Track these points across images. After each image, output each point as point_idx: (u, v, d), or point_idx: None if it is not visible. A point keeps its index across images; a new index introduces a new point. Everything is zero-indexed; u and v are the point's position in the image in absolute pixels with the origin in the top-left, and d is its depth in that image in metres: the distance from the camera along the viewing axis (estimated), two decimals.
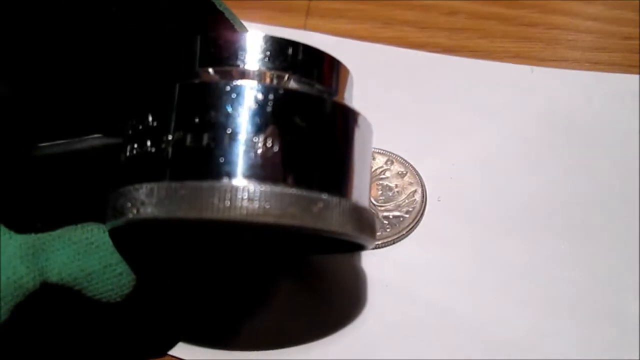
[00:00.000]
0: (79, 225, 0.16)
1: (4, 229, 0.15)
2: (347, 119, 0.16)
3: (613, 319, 0.20)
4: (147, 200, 0.14)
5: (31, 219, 0.16)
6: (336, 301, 0.22)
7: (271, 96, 0.14)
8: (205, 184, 0.14)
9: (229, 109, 0.14)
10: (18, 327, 0.15)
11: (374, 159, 0.25)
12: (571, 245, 0.22)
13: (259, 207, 0.14)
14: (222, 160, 0.14)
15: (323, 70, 0.16)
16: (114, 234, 0.16)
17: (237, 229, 0.17)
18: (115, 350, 0.19)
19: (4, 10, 0.17)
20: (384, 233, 0.23)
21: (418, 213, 0.23)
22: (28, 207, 0.17)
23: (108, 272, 0.16)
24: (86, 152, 0.21)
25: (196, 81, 0.15)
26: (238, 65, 0.15)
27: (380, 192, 0.24)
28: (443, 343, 0.20)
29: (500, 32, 0.30)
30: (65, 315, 0.17)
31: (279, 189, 0.14)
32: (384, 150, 0.25)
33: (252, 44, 0.15)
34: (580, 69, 0.28)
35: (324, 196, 0.15)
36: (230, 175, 0.14)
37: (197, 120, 0.14)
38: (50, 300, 0.16)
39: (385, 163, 0.25)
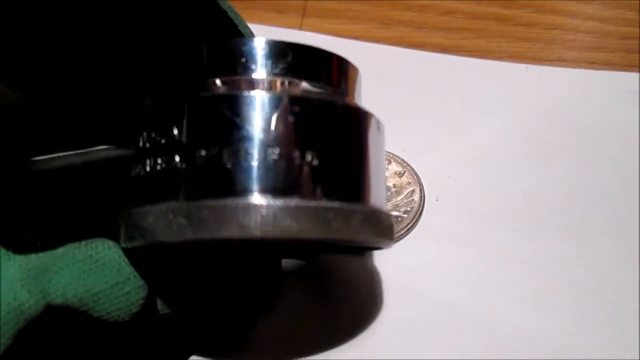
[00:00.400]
0: (83, 242, 0.15)
1: (2, 250, 0.15)
2: (363, 123, 0.16)
3: (613, 316, 0.20)
4: (171, 221, 0.13)
5: (32, 237, 0.15)
6: (341, 301, 0.21)
7: (290, 107, 0.14)
8: (227, 202, 0.13)
9: (245, 122, 0.14)
10: (21, 354, 0.14)
11: None
12: (570, 242, 0.22)
13: (286, 223, 0.13)
14: (241, 176, 0.13)
15: (335, 73, 0.16)
16: (127, 251, 0.16)
17: (257, 243, 0.16)
18: None
19: (3, 13, 0.16)
20: None
21: (416, 213, 0.23)
22: (29, 224, 0.16)
23: (115, 291, 0.15)
24: (91, 164, 0.21)
25: (207, 94, 0.14)
26: (249, 74, 0.14)
27: None
28: (443, 340, 0.20)
29: (497, 32, 0.30)
30: (71, 337, 0.16)
31: (304, 202, 0.14)
32: None
33: (263, 51, 0.15)
34: (578, 68, 0.28)
35: (347, 206, 0.14)
36: (251, 191, 0.13)
37: (209, 135, 0.14)
38: (55, 323, 0.15)
39: None
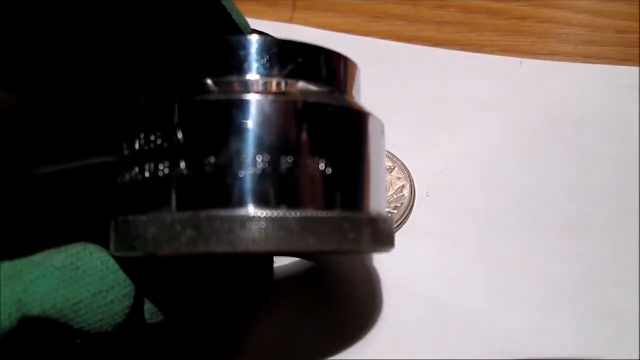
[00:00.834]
0: (63, 248, 0.15)
1: None
2: (372, 128, 0.15)
3: (609, 314, 0.20)
4: (179, 233, 0.13)
5: (8, 243, 0.14)
6: (336, 300, 0.21)
7: (305, 114, 0.13)
8: (240, 213, 0.13)
9: (258, 129, 0.13)
10: None
11: None
12: (564, 239, 0.22)
13: (303, 236, 0.13)
14: (254, 186, 0.13)
15: (336, 72, 0.15)
16: (116, 257, 0.15)
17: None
18: None
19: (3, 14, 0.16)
20: None
21: (407, 208, 0.23)
22: (5, 230, 0.15)
23: (98, 300, 0.15)
24: (77, 170, 0.20)
25: (217, 97, 0.13)
26: (262, 75, 0.14)
27: None
28: (432, 336, 0.20)
29: (490, 25, 0.30)
30: (49, 351, 0.15)
31: (320, 213, 0.13)
32: None
33: (262, 50, 0.14)
34: (572, 62, 0.28)
35: (359, 215, 0.14)
36: (265, 202, 0.13)
37: (220, 142, 0.13)
38: (32, 336, 0.14)
39: None
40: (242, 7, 0.28)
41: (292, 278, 0.22)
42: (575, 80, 0.27)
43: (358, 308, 0.21)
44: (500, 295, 0.21)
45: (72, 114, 0.21)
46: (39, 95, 0.21)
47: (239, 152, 0.13)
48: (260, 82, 0.13)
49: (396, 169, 0.24)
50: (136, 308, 0.15)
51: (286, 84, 0.14)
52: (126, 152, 0.14)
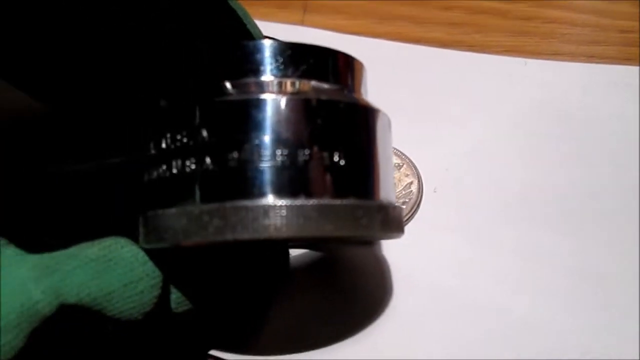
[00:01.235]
0: (96, 242, 0.16)
1: (15, 249, 0.15)
2: (380, 121, 0.16)
3: (609, 313, 0.20)
4: (206, 223, 0.14)
5: (46, 237, 0.15)
6: (346, 290, 0.22)
7: (319, 110, 0.14)
8: (262, 203, 0.13)
9: (277, 125, 0.14)
10: (34, 354, 0.14)
11: None
12: (566, 234, 0.23)
13: (320, 223, 0.14)
14: (275, 177, 0.14)
15: (344, 71, 0.16)
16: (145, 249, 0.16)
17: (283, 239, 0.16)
18: None
19: (4, 14, 0.16)
20: None
21: (415, 204, 0.24)
22: (43, 224, 0.16)
23: (129, 290, 0.15)
24: (103, 168, 0.21)
25: (237, 97, 0.14)
26: (277, 77, 0.15)
27: None
28: (439, 328, 0.20)
29: (495, 26, 0.31)
30: (84, 336, 0.16)
31: (336, 201, 0.14)
32: None
33: (276, 53, 0.15)
34: (575, 62, 0.28)
35: (371, 203, 0.15)
36: (284, 192, 0.14)
37: (241, 138, 0.14)
38: (68, 322, 0.15)
39: None
40: (254, 10, 0.29)
41: (306, 268, 0.22)
42: (578, 79, 0.27)
43: (368, 297, 0.22)
44: (504, 286, 0.21)
45: (91, 117, 0.22)
46: (61, 100, 0.21)
47: (259, 147, 0.14)
48: (276, 83, 0.15)
49: (404, 165, 0.25)
50: (163, 298, 0.16)
51: (300, 84, 0.15)
52: (152, 151, 0.15)
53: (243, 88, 0.14)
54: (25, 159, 0.21)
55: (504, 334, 0.20)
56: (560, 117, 0.26)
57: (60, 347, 0.15)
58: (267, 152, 0.14)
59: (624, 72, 0.27)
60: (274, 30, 0.19)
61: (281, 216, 0.13)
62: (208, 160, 0.14)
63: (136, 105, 0.19)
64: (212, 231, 0.13)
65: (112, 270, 0.15)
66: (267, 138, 0.14)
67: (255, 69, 0.15)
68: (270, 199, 0.13)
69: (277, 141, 0.14)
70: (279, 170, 0.14)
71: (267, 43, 0.15)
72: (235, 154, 0.14)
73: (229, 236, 0.13)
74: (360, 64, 0.17)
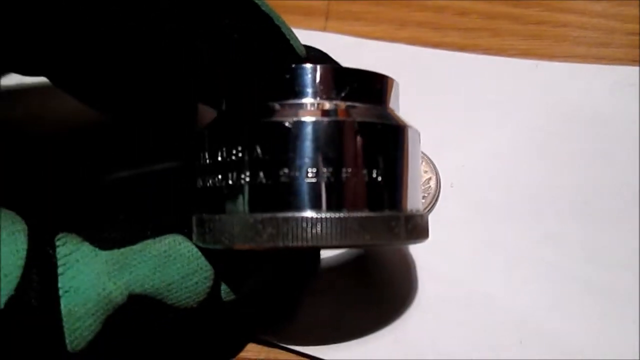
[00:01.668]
0: (157, 239, 0.17)
1: (89, 246, 0.16)
2: (411, 138, 0.17)
3: (609, 312, 0.22)
4: (260, 231, 0.15)
5: (112, 234, 0.17)
6: (374, 280, 0.23)
7: (360, 131, 0.16)
8: (309, 214, 0.15)
9: (323, 145, 0.15)
10: (109, 337, 0.16)
11: None
12: (576, 229, 0.24)
13: (361, 233, 0.15)
14: (321, 192, 0.15)
15: (381, 91, 0.17)
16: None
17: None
18: (192, 352, 0.20)
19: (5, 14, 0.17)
20: None
21: (433, 198, 0.25)
22: (109, 223, 0.18)
23: (186, 282, 0.17)
24: (158, 174, 0.23)
25: (279, 119, 0.16)
26: (323, 99, 0.16)
27: None
28: (453, 317, 0.22)
29: (509, 30, 0.31)
30: (149, 322, 0.17)
31: (374, 214, 0.16)
32: None
33: (320, 77, 0.16)
34: (584, 64, 0.29)
35: (403, 214, 0.16)
36: (328, 205, 0.15)
37: (292, 156, 0.15)
38: (135, 310, 0.17)
39: None
40: None
41: (336, 264, 0.24)
42: (587, 80, 0.28)
43: (394, 288, 0.23)
44: (517, 278, 0.23)
45: (142, 127, 0.24)
46: (117, 108, 0.23)
47: (307, 165, 0.15)
48: (322, 105, 0.16)
49: (423, 162, 0.26)
50: (215, 288, 0.18)
51: (342, 106, 0.16)
52: (208, 161, 0.17)
53: (292, 109, 0.16)
54: (86, 165, 0.23)
55: (512, 324, 0.21)
56: (572, 118, 0.27)
57: (130, 331, 0.17)
58: (314, 170, 0.15)
59: (634, 73, 0.28)
60: (298, 36, 0.20)
61: (326, 227, 0.15)
62: (261, 174, 0.15)
63: (191, 118, 0.21)
64: (265, 238, 0.15)
65: (171, 265, 0.17)
66: (314, 157, 0.15)
67: (302, 91, 0.16)
68: (316, 212, 0.15)
69: (323, 160, 0.15)
70: (325, 186, 0.15)
71: (312, 68, 0.16)
72: (286, 170, 0.15)
73: (280, 243, 0.15)
74: (394, 82, 0.18)
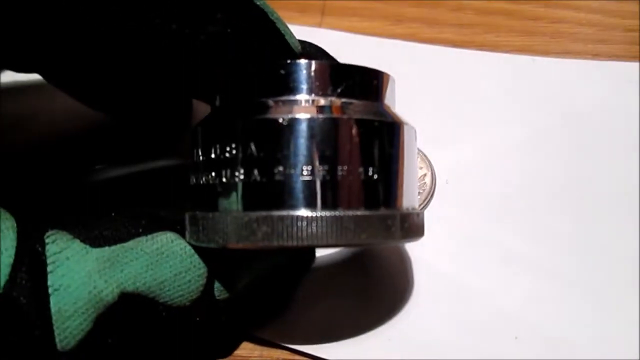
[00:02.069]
0: (149, 236, 0.17)
1: (79, 243, 0.16)
2: (408, 136, 0.17)
3: (608, 313, 0.22)
4: (255, 229, 0.15)
5: (103, 231, 0.17)
6: (370, 274, 0.23)
7: (356, 129, 0.16)
8: (305, 213, 0.15)
9: (319, 143, 0.15)
10: (100, 336, 0.16)
11: None
12: (572, 225, 0.24)
13: (357, 232, 0.15)
14: (317, 190, 0.15)
15: (378, 88, 0.17)
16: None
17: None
18: (185, 351, 0.20)
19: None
20: None
21: (428, 194, 0.25)
22: (100, 220, 0.17)
23: (178, 280, 0.17)
24: (151, 172, 0.22)
25: (274, 116, 0.15)
26: (319, 96, 0.16)
27: None
28: (452, 312, 0.22)
29: (505, 26, 0.31)
30: (141, 321, 0.17)
31: (370, 212, 0.16)
32: None
33: (315, 73, 0.16)
34: (581, 60, 0.29)
35: (399, 212, 0.16)
36: (324, 204, 0.15)
37: (287, 154, 0.15)
38: (127, 308, 0.16)
39: None
40: None
41: (332, 259, 0.24)
42: (583, 76, 0.28)
43: (389, 285, 0.23)
44: (510, 271, 0.23)
45: (136, 123, 0.24)
46: (111, 107, 0.23)
47: (303, 163, 0.15)
48: (318, 102, 0.16)
49: (418, 159, 0.26)
50: (208, 287, 0.18)
51: (339, 103, 0.16)
52: (201, 158, 0.16)
53: (286, 106, 0.16)
54: (77, 162, 0.23)
55: (508, 322, 0.21)
56: (568, 113, 0.27)
57: (121, 330, 0.17)
58: (309, 168, 0.15)
59: (631, 69, 0.28)
60: (294, 32, 0.20)
61: (322, 226, 0.15)
62: (256, 172, 0.15)
63: (186, 115, 0.20)
64: (260, 237, 0.15)
65: (164, 262, 0.17)
66: (309, 155, 0.15)
67: (297, 88, 0.16)
68: (312, 210, 0.15)
69: (319, 158, 0.15)
70: (320, 184, 0.15)
71: (307, 64, 0.16)
72: (280, 168, 0.15)
73: (275, 242, 0.15)
74: (389, 78, 0.18)
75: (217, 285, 0.18)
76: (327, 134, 0.15)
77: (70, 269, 0.15)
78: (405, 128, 0.17)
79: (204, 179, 0.16)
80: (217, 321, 0.20)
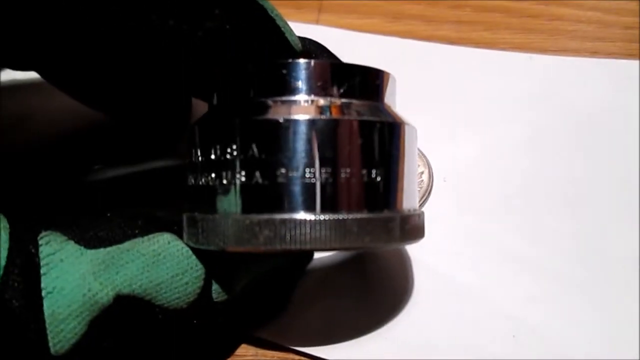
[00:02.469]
0: (145, 237, 0.16)
1: (74, 244, 0.16)
2: (409, 136, 0.17)
3: (608, 312, 0.21)
4: (257, 233, 0.15)
5: (99, 231, 0.16)
6: (370, 272, 0.23)
7: (360, 131, 0.15)
8: (308, 217, 0.15)
9: (322, 145, 0.15)
10: (94, 339, 0.16)
11: None
12: (570, 224, 0.24)
13: (360, 236, 0.15)
14: (320, 193, 0.15)
15: (380, 87, 0.17)
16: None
17: None
18: (182, 354, 0.20)
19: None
20: None
21: (425, 193, 0.25)
22: (95, 220, 0.17)
23: (175, 282, 0.16)
24: (149, 172, 0.22)
25: (276, 118, 0.15)
26: (308, 95, 0.16)
27: None
28: (449, 311, 0.22)
29: (503, 23, 0.31)
30: (137, 324, 0.17)
31: (373, 215, 0.15)
32: None
33: (315, 72, 0.16)
34: (579, 57, 0.29)
35: (400, 214, 0.16)
36: (328, 207, 0.15)
37: (290, 156, 0.15)
38: (123, 311, 0.16)
39: None
40: None
41: (331, 259, 0.24)
42: (581, 74, 0.28)
43: (387, 284, 0.23)
44: (508, 270, 0.23)
45: (134, 123, 0.24)
46: (109, 106, 0.23)
47: (305, 165, 0.15)
48: (320, 103, 0.16)
49: None
50: (206, 289, 0.17)
51: (342, 104, 0.16)
52: (200, 159, 0.16)
53: (286, 106, 0.15)
54: (74, 162, 0.22)
55: (506, 321, 0.21)
56: (564, 110, 0.27)
57: (117, 333, 0.17)
58: (312, 170, 0.15)
59: (628, 66, 0.28)
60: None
61: (325, 229, 0.15)
62: (257, 174, 0.15)
63: (185, 114, 0.20)
64: (262, 241, 0.15)
65: (160, 264, 0.16)
66: (312, 157, 0.15)
67: (297, 87, 0.16)
68: (315, 214, 0.15)
69: (321, 160, 0.15)
70: (323, 187, 0.15)
71: (308, 64, 0.16)
72: (283, 170, 0.15)
73: (278, 246, 0.15)
74: (390, 76, 0.18)
75: (214, 287, 0.18)
76: (329, 136, 0.15)
77: (64, 271, 0.15)
78: (407, 128, 0.17)
79: (203, 179, 0.16)
80: (214, 324, 0.20)
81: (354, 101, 0.16)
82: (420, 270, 0.23)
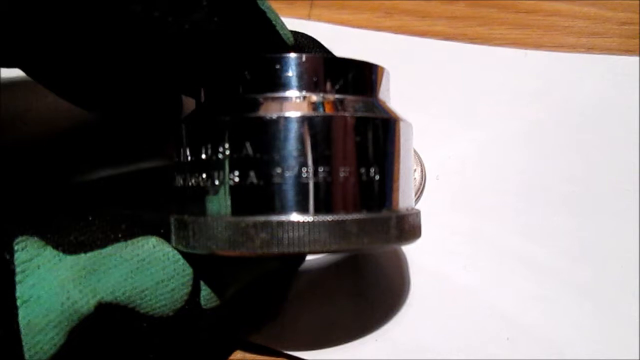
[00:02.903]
0: (130, 241, 0.16)
1: (52, 250, 0.15)
2: (406, 133, 0.17)
3: (608, 313, 0.21)
4: (252, 236, 0.14)
5: (80, 236, 0.16)
6: (366, 272, 0.23)
7: (356, 129, 0.15)
8: (307, 219, 0.14)
9: (320, 143, 0.14)
10: (74, 350, 0.15)
11: None
12: (566, 222, 0.23)
13: (359, 237, 0.14)
14: (317, 193, 0.14)
15: (376, 82, 0.17)
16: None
17: None
18: None
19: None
20: None
21: (418, 191, 0.25)
22: (76, 224, 0.16)
23: (161, 288, 0.16)
24: (135, 173, 0.21)
25: (271, 115, 0.14)
26: (303, 92, 0.15)
27: None
28: (443, 312, 0.22)
29: (498, 19, 0.31)
30: (120, 333, 0.16)
31: (371, 215, 0.15)
32: None
33: (308, 67, 0.15)
34: (574, 53, 0.29)
35: (398, 213, 0.16)
36: (326, 208, 0.14)
37: (286, 155, 0.14)
38: (105, 319, 0.15)
39: None
40: None
41: (324, 261, 0.23)
42: (577, 69, 0.28)
43: (381, 285, 0.23)
44: (503, 269, 0.22)
45: (121, 122, 0.23)
46: (97, 105, 0.22)
47: (302, 164, 0.14)
48: (316, 100, 0.15)
49: None
50: (193, 295, 0.17)
51: (338, 100, 0.15)
52: (189, 159, 0.15)
53: (278, 103, 0.15)
54: (66, 163, 0.22)
55: (500, 322, 0.21)
56: (559, 107, 0.27)
57: (98, 343, 0.16)
58: (309, 169, 0.14)
59: (624, 62, 0.28)
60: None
61: (325, 231, 0.14)
62: (252, 174, 0.14)
63: (175, 112, 0.19)
64: (258, 244, 0.14)
65: (145, 270, 0.16)
66: (309, 155, 0.14)
67: (289, 83, 0.15)
68: (313, 215, 0.14)
69: (319, 158, 0.14)
70: (321, 187, 0.14)
71: (301, 57, 0.15)
72: (279, 170, 0.14)
73: (275, 250, 0.14)
74: (384, 71, 0.17)
75: (204, 293, 0.17)
76: (326, 134, 0.14)
77: (41, 279, 0.14)
78: (402, 124, 0.16)
79: (192, 180, 0.15)
80: (203, 331, 0.19)
81: (347, 96, 0.15)
82: (413, 270, 0.23)
